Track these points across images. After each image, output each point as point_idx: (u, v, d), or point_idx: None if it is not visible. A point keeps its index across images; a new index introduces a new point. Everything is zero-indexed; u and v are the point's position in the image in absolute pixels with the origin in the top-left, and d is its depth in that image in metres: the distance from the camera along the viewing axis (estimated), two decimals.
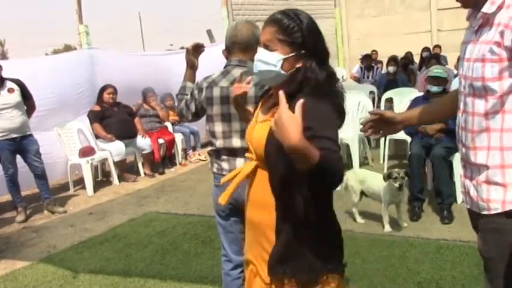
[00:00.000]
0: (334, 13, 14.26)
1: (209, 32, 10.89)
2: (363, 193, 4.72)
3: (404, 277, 3.54)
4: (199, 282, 3.74)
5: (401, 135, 5.72)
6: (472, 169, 1.84)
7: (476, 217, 1.88)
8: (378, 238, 4.30)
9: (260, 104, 1.99)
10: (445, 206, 4.60)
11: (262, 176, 1.81)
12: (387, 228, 4.44)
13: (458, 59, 1.98)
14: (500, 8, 1.68)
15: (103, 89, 7.26)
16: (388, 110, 6.80)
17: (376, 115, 2.20)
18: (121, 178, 7.31)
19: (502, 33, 1.64)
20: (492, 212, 1.77)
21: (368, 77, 10.85)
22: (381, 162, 6.63)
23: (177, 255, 4.31)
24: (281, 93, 1.51)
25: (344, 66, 14.22)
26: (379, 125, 2.22)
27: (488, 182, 1.76)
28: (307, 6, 12.53)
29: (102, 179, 7.54)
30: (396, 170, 4.38)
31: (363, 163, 6.79)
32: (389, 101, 7.63)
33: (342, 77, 11.85)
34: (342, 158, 1.65)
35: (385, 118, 2.20)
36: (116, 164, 7.20)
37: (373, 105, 7.91)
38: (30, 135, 5.84)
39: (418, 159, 4.87)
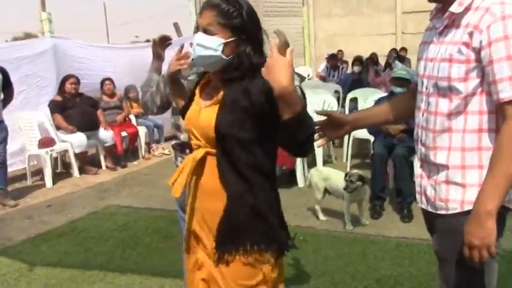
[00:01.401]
0: (302, 12, 14.34)
1: (176, 25, 10.76)
2: (326, 191, 4.76)
3: (364, 274, 3.59)
4: (160, 276, 3.71)
5: (364, 134, 5.81)
6: (431, 169, 1.86)
7: (432, 218, 1.90)
8: (340, 235, 4.35)
9: (198, 89, 1.94)
10: (405, 205, 4.69)
11: (213, 163, 1.79)
12: (349, 225, 4.50)
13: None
14: (467, 9, 1.70)
15: (65, 79, 7.09)
16: (353, 110, 6.85)
17: (324, 115, 2.13)
18: (82, 170, 7.16)
19: (471, 35, 1.66)
20: (450, 212, 1.79)
21: (333, 76, 10.97)
22: (344, 160, 6.72)
23: (138, 249, 4.25)
24: (273, 43, 1.59)
25: (310, 64, 14.33)
26: (324, 128, 2.14)
27: (448, 182, 1.79)
28: (275, 3, 12.59)
29: (62, 171, 7.37)
30: (354, 172, 4.45)
31: (327, 161, 6.85)
32: (354, 100, 7.74)
33: (308, 75, 11.94)
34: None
35: (333, 118, 2.13)
36: (76, 156, 7.05)
37: (338, 104, 7.99)
38: (1, 121, 5.69)
39: (380, 158, 4.95)
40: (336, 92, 8.91)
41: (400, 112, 2.17)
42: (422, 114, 1.87)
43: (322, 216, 4.75)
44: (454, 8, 1.72)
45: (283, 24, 12.66)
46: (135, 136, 7.85)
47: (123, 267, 3.90)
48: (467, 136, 1.73)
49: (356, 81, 8.90)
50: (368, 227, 4.55)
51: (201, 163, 1.81)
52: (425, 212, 1.96)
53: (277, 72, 1.54)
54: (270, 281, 1.83)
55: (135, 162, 7.81)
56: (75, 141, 6.93)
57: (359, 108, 6.93)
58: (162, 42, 2.84)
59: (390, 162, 5.14)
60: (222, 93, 1.77)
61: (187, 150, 2.59)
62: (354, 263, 3.76)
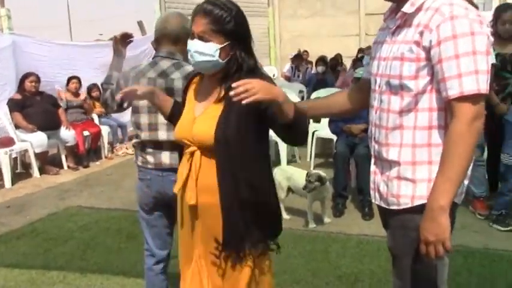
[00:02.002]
0: (267, 12, 14.39)
1: (140, 24, 10.67)
2: (289, 189, 4.79)
3: (326, 271, 3.64)
4: (121, 276, 3.67)
5: (327, 134, 5.88)
6: (384, 165, 1.91)
7: (386, 214, 1.95)
8: (302, 233, 4.39)
9: (192, 93, 2.04)
10: (366, 203, 4.77)
11: (208, 163, 1.90)
12: (311, 224, 4.55)
13: None
14: (419, 9, 1.76)
15: (25, 77, 6.93)
16: None
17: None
18: (42, 170, 7.01)
19: (421, 34, 1.72)
20: (402, 207, 1.84)
21: (298, 76, 11.06)
22: (308, 160, 6.78)
23: (99, 250, 4.19)
24: (234, 84, 1.64)
25: (275, 64, 14.41)
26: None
27: (399, 177, 1.83)
28: (241, 4, 12.54)
29: (21, 171, 7.19)
30: (314, 172, 4.49)
31: (291, 161, 6.91)
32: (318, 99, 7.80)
33: (273, 75, 12.01)
34: None
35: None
36: (37, 155, 6.90)
37: None
38: None
39: (342, 157, 5.02)
40: (301, 91, 8.99)
41: (346, 106, 2.24)
42: (376, 112, 1.92)
43: (285, 215, 4.78)
44: (406, 8, 1.77)
45: (249, 24, 12.68)
46: (97, 136, 7.73)
47: (83, 268, 3.84)
48: (417, 133, 1.78)
49: (320, 81, 9.00)
50: (330, 225, 4.61)
51: (199, 165, 1.92)
52: (379, 208, 2.01)
53: (269, 89, 1.66)
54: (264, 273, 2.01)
55: (97, 162, 7.69)
56: (35, 141, 6.77)
57: None
58: (124, 40, 2.81)
59: (353, 161, 5.22)
60: (219, 95, 1.90)
61: (149, 149, 2.58)
62: (315, 261, 3.81)
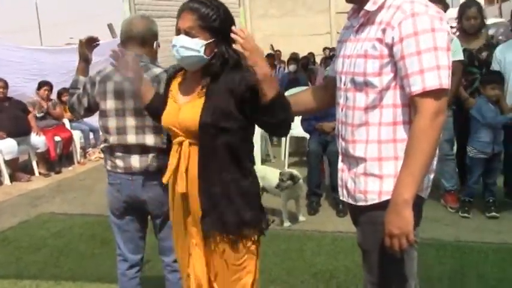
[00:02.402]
0: (239, 12, 14.39)
1: (110, 26, 10.58)
2: (263, 189, 4.80)
3: (301, 269, 3.66)
4: (96, 282, 3.63)
5: (300, 132, 5.90)
6: (350, 162, 1.93)
7: (355, 211, 1.98)
8: (277, 233, 4.40)
9: (175, 86, 2.09)
10: (340, 201, 4.75)
11: (195, 152, 1.96)
12: (286, 222, 4.57)
13: None
14: (381, 8, 1.79)
15: None
16: None
17: None
18: (13, 178, 6.90)
19: (384, 31, 1.75)
20: (369, 203, 1.86)
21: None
22: (283, 159, 6.80)
23: (73, 256, 4.14)
24: (237, 30, 1.79)
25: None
26: None
27: (366, 174, 1.86)
28: None
29: None
30: (286, 171, 4.52)
31: (266, 160, 6.92)
32: None
33: None
34: None
35: None
36: (7, 162, 6.79)
37: None
38: None
39: (315, 155, 5.06)
40: None
41: (313, 104, 2.26)
42: (342, 109, 1.94)
43: None
44: (369, 7, 1.80)
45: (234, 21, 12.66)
46: (69, 141, 7.62)
47: (57, 276, 3.78)
48: (383, 129, 1.81)
49: (292, 81, 9.03)
50: (305, 223, 4.63)
51: (187, 154, 1.98)
52: (348, 205, 2.03)
53: (258, 59, 1.80)
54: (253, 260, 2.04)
55: (70, 168, 7.59)
56: (5, 148, 6.66)
57: None
58: (89, 44, 2.78)
59: (326, 159, 5.26)
60: (202, 88, 1.95)
61: (118, 154, 2.55)
62: (291, 259, 3.82)
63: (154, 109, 2.15)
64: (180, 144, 1.99)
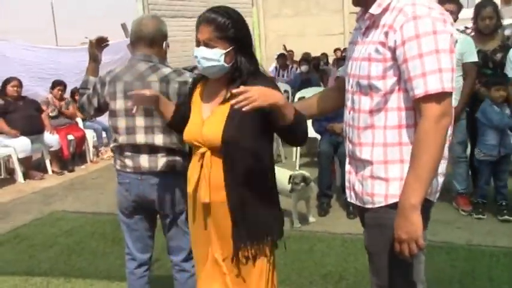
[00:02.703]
0: (252, 12, 14.40)
1: (124, 26, 10.62)
2: None
3: (311, 270, 3.65)
4: (106, 280, 3.66)
5: (312, 133, 5.88)
6: (357, 164, 1.93)
7: (362, 212, 1.97)
8: (287, 233, 4.31)
9: (197, 97, 2.13)
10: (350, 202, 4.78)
11: (218, 163, 1.99)
12: (296, 223, 4.56)
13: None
14: (385, 10, 1.78)
15: (6, 82, 6.87)
16: None
17: None
18: (27, 176, 6.96)
19: (386, 34, 1.74)
20: (376, 206, 1.86)
21: (283, 76, 11.06)
22: (294, 159, 6.79)
23: (84, 254, 4.17)
24: (235, 90, 1.76)
25: (261, 65, 14.38)
26: None
27: (373, 176, 1.85)
28: (225, 3, 12.58)
29: (5, 177, 7.13)
30: (297, 173, 4.49)
31: (277, 161, 6.91)
32: (303, 98, 7.81)
33: None
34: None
35: None
36: (20, 161, 6.85)
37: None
38: None
39: (326, 156, 5.04)
40: (286, 91, 9.00)
41: (327, 105, 2.27)
42: (349, 112, 1.94)
43: None
44: (373, 10, 1.79)
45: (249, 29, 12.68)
46: (82, 140, 7.68)
47: (67, 274, 3.82)
48: (388, 132, 1.80)
49: (305, 81, 9.02)
50: (315, 224, 4.62)
51: (210, 165, 2.02)
52: (356, 207, 2.02)
53: (269, 94, 1.78)
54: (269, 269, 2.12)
55: (82, 166, 7.64)
56: (19, 146, 6.72)
57: None
58: (99, 44, 2.80)
59: (337, 160, 5.24)
60: (225, 99, 1.99)
61: (127, 153, 2.56)
62: (300, 260, 3.82)
63: (177, 125, 2.20)
64: (203, 154, 2.03)
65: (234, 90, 1.76)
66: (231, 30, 1.96)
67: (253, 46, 2.06)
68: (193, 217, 2.17)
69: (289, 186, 4.44)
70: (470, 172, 4.82)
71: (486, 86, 4.42)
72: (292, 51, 12.78)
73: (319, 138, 5.53)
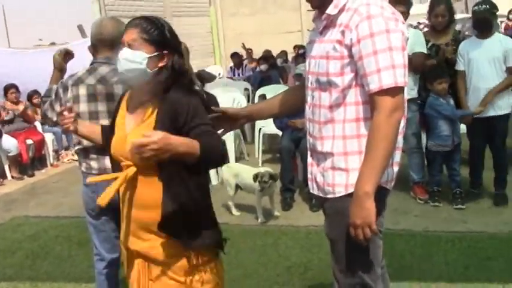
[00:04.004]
0: (209, 11, 14.40)
1: (80, 27, 10.52)
2: (238, 186, 4.87)
3: (276, 263, 3.75)
4: (73, 283, 3.66)
5: (273, 129, 5.99)
6: (319, 157, 2.03)
7: (324, 202, 2.08)
8: (253, 229, 4.49)
9: (123, 106, 2.04)
10: (314, 195, 4.89)
11: (144, 180, 1.90)
12: (261, 218, 4.65)
13: None
14: (341, 10, 1.89)
15: None
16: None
17: (219, 112, 2.20)
18: None
19: (343, 33, 1.85)
20: (337, 195, 1.97)
21: (239, 75, 11.11)
22: (256, 156, 6.88)
23: (49, 258, 4.15)
24: (136, 142, 1.62)
25: (220, 63, 14.44)
26: (221, 122, 2.21)
27: (334, 168, 1.96)
28: (183, 3, 12.56)
29: None
30: (263, 172, 4.57)
31: (240, 158, 6.98)
32: (263, 97, 7.92)
33: (219, 74, 12.03)
34: (219, 136, 1.93)
35: (228, 115, 2.24)
36: None
37: (248, 102, 8.16)
38: None
39: (287, 151, 5.15)
40: (246, 89, 9.08)
41: (291, 104, 2.34)
42: (309, 108, 2.03)
43: (235, 212, 4.87)
44: (330, 10, 1.90)
45: (192, 24, 12.68)
46: (41, 144, 7.56)
47: (33, 278, 3.80)
48: (347, 125, 1.91)
49: (265, 79, 9.11)
50: (280, 219, 4.72)
51: (132, 178, 1.92)
52: (318, 198, 2.12)
53: (164, 150, 1.63)
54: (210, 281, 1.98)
55: (42, 171, 7.53)
56: None
57: None
58: (66, 56, 2.82)
59: (298, 155, 5.35)
60: (150, 111, 1.88)
61: (92, 155, 2.59)
62: (266, 254, 3.91)
63: (108, 145, 2.07)
64: (127, 167, 1.93)
65: (135, 142, 1.62)
66: (158, 35, 1.89)
67: (183, 55, 1.97)
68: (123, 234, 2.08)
69: (256, 184, 4.52)
70: (426, 162, 5.02)
71: (429, 81, 4.60)
72: (251, 49, 12.86)
73: (280, 135, 5.64)
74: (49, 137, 7.80)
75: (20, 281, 3.76)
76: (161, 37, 1.90)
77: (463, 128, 4.80)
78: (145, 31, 1.88)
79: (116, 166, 2.05)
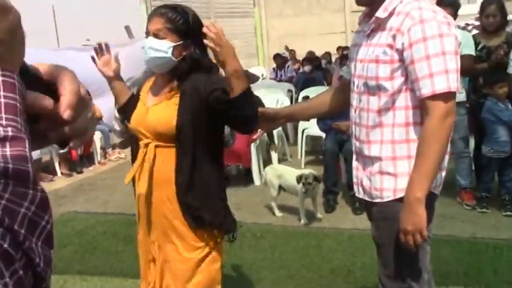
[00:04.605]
0: (254, 12, 14.48)
1: (127, 28, 10.74)
2: (281, 187, 4.89)
3: (319, 265, 3.75)
4: (120, 277, 3.77)
5: (317, 131, 5.98)
6: (365, 161, 2.02)
7: (370, 206, 2.07)
8: (295, 230, 4.50)
9: (145, 90, 2.18)
10: (357, 198, 4.85)
11: (163, 154, 2.04)
12: (304, 220, 4.65)
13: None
14: (391, 14, 1.88)
15: None
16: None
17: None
18: None
19: (394, 37, 1.84)
20: (385, 200, 1.96)
21: (281, 76, 11.09)
22: (299, 157, 6.88)
23: (97, 253, 4.28)
24: (208, 24, 1.85)
25: (264, 64, 14.49)
26: (260, 122, 2.23)
27: (382, 172, 1.95)
28: (227, 4, 12.67)
29: None
30: (307, 173, 4.55)
31: (282, 159, 7.00)
32: (306, 99, 7.91)
33: (262, 75, 12.08)
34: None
35: (266, 114, 2.27)
36: None
37: (291, 103, 8.17)
38: None
39: (331, 154, 5.14)
40: (289, 91, 9.09)
41: (331, 106, 2.36)
42: (355, 111, 2.03)
43: (278, 213, 4.89)
44: (380, 14, 1.89)
45: (236, 25, 12.78)
46: (89, 141, 7.77)
47: (82, 272, 3.92)
48: (396, 130, 1.90)
49: (308, 80, 9.09)
50: (322, 221, 4.71)
51: (152, 156, 2.05)
52: (364, 202, 2.12)
53: (229, 56, 1.85)
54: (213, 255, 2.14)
55: (90, 168, 7.74)
56: None
57: None
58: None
59: (342, 158, 5.33)
60: (171, 90, 2.02)
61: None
62: (309, 256, 3.91)
63: (126, 113, 2.20)
64: (146, 146, 2.06)
65: (209, 23, 1.86)
66: (183, 25, 1.98)
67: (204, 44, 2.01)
68: (138, 212, 2.22)
69: (299, 186, 4.52)
70: (473, 167, 4.91)
71: (488, 84, 4.49)
72: (294, 50, 12.86)
73: (323, 137, 5.63)
74: (97, 136, 8.01)
75: (69, 274, 3.89)
76: (185, 26, 1.99)
77: None
78: (170, 21, 1.98)
79: (135, 146, 2.18)
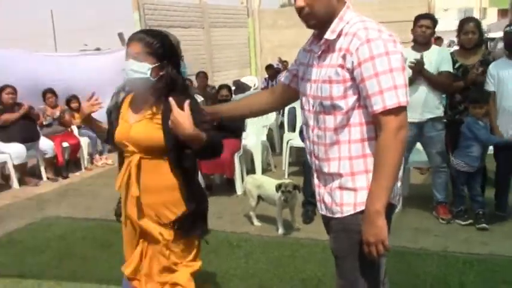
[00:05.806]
0: (247, 23, 14.59)
1: (120, 35, 10.80)
2: (260, 198, 4.95)
3: (291, 275, 3.80)
4: (95, 283, 3.80)
5: (300, 143, 6.04)
6: (326, 178, 2.08)
7: (329, 220, 2.12)
8: (272, 240, 4.55)
9: (125, 107, 2.40)
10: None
11: (149, 165, 2.30)
12: (281, 230, 4.70)
13: None
14: (339, 35, 1.96)
15: (1, 89, 6.97)
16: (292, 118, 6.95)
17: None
18: (21, 182, 7.10)
19: (344, 57, 1.91)
20: (345, 215, 2.02)
21: (273, 86, 11.16)
22: (283, 168, 6.93)
23: (75, 259, 4.31)
24: (172, 100, 2.09)
25: (256, 74, 14.57)
26: None
27: (341, 187, 2.02)
28: (221, 14, 12.76)
29: (1, 183, 7.27)
30: (287, 182, 4.61)
31: (266, 169, 7.06)
32: (294, 109, 7.96)
33: (254, 85, 12.16)
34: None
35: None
36: (16, 167, 6.99)
37: (279, 113, 8.24)
38: None
39: (310, 165, 5.18)
40: None
41: (255, 108, 2.54)
42: (313, 131, 2.09)
43: (256, 222, 4.94)
44: (328, 35, 1.97)
45: (229, 35, 12.90)
46: (76, 147, 7.82)
47: (58, 277, 3.95)
48: (352, 146, 1.97)
49: None
50: (300, 231, 4.76)
51: (136, 165, 2.31)
52: (323, 217, 2.17)
53: (180, 124, 2.07)
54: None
55: (77, 173, 7.78)
56: (14, 152, 6.87)
57: (297, 117, 7.13)
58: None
59: None
60: (155, 110, 2.26)
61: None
62: (282, 266, 3.96)
63: (109, 140, 2.50)
64: (132, 154, 2.32)
65: (171, 100, 2.09)
66: (160, 48, 2.22)
67: (181, 65, 2.34)
68: (125, 217, 2.47)
69: (278, 194, 4.58)
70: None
71: (467, 104, 4.60)
72: (286, 61, 12.95)
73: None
74: (84, 141, 8.06)
75: (45, 279, 3.92)
76: (162, 50, 2.23)
77: (490, 148, 4.76)
78: (148, 45, 2.21)
79: (121, 159, 2.44)
